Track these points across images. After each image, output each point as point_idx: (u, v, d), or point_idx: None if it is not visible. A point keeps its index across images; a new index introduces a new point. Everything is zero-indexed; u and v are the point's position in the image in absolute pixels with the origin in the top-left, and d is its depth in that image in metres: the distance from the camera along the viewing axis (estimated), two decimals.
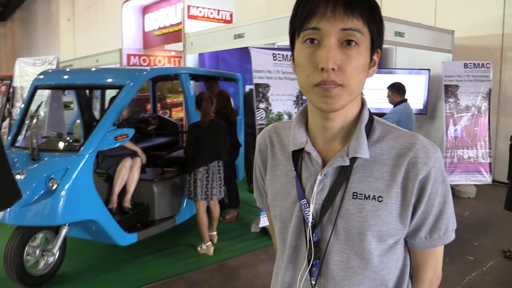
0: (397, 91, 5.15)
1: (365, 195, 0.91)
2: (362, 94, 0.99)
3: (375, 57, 0.91)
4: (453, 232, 0.97)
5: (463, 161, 6.26)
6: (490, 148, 6.30)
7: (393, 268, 0.96)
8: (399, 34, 5.66)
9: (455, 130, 6.28)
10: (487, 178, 6.26)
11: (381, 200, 0.90)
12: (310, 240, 0.94)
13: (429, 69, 6.58)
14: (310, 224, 0.93)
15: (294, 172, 0.98)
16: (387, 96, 5.29)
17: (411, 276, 1.04)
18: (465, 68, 6.20)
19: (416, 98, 6.48)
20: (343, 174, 0.92)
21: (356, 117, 0.94)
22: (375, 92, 6.64)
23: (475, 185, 6.31)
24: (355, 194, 0.91)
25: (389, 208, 0.90)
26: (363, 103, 0.97)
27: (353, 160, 0.91)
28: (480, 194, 6.29)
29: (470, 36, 7.11)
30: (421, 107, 6.63)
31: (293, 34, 0.90)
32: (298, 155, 0.98)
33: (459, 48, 6.87)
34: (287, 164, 1.01)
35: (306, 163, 0.97)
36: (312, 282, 0.96)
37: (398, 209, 0.91)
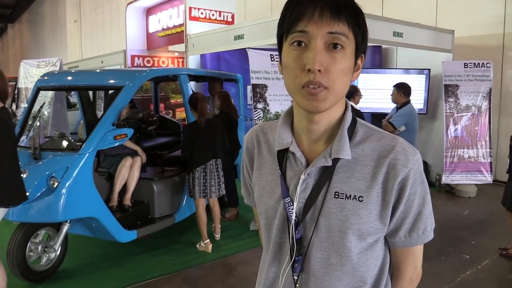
0: (403, 91, 5.16)
1: (346, 194, 0.94)
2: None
3: (359, 62, 0.94)
4: (432, 232, 1.00)
5: (463, 160, 6.27)
6: (490, 148, 6.30)
7: (372, 265, 0.99)
8: (398, 34, 5.70)
9: (455, 129, 6.30)
10: (487, 178, 6.26)
11: (362, 200, 0.93)
12: (293, 237, 0.97)
13: (429, 69, 6.60)
14: (293, 222, 0.97)
15: (279, 171, 1.01)
16: (392, 95, 5.30)
17: (392, 274, 1.08)
18: (465, 67, 6.22)
19: (416, 98, 6.51)
20: (326, 174, 0.95)
21: (340, 120, 0.98)
22: (376, 92, 6.69)
23: (475, 184, 6.31)
24: (337, 193, 0.94)
25: (369, 208, 0.93)
26: (346, 106, 1.00)
27: (335, 160, 0.94)
28: (480, 193, 6.29)
29: (471, 36, 7.12)
30: (421, 106, 6.65)
31: (281, 37, 0.93)
32: (283, 155, 1.02)
33: (461, 47, 6.89)
34: (272, 163, 1.05)
35: (290, 163, 1.00)
36: (294, 277, 1.00)
37: (378, 209, 0.94)
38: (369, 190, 0.93)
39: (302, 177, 0.96)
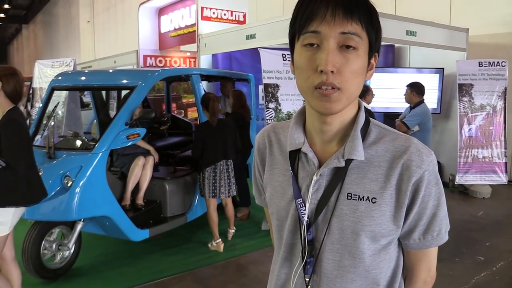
0: (417, 91, 5.10)
1: (359, 196, 0.93)
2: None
3: (373, 61, 0.93)
4: (446, 234, 0.98)
5: (477, 161, 6.19)
6: (505, 148, 6.21)
7: (385, 267, 0.98)
8: (411, 33, 5.65)
9: (470, 129, 6.21)
10: (502, 178, 6.17)
11: (375, 202, 0.92)
12: (304, 238, 0.96)
13: (443, 68, 6.52)
14: (305, 223, 0.96)
15: (291, 171, 1.00)
16: (405, 94, 5.24)
17: (405, 277, 1.07)
18: (479, 66, 6.14)
19: (430, 97, 6.44)
20: (339, 175, 0.94)
21: (353, 120, 0.96)
22: (389, 92, 6.64)
23: (490, 185, 6.22)
24: (350, 195, 0.93)
25: (383, 210, 0.92)
26: (359, 106, 0.98)
27: (348, 161, 0.93)
28: (495, 194, 6.21)
29: (486, 34, 7.01)
30: (435, 106, 6.58)
31: (293, 37, 0.92)
32: (295, 155, 1.00)
33: (475, 46, 6.78)
34: (284, 164, 1.04)
35: (302, 163, 0.99)
36: (306, 279, 0.99)
37: (392, 211, 0.93)
38: (383, 191, 0.92)
39: (315, 178, 0.95)
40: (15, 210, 2.66)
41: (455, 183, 6.29)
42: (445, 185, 6.64)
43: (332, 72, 0.84)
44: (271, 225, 1.15)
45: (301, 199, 0.97)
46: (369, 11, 0.87)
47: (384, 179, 0.93)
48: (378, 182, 0.93)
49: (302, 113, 1.03)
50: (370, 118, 1.00)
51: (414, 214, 0.94)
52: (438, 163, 6.72)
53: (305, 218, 0.96)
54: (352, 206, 0.93)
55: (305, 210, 0.96)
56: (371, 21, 0.87)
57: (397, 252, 1.01)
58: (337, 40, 0.85)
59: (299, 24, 0.88)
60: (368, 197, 0.92)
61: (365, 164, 0.94)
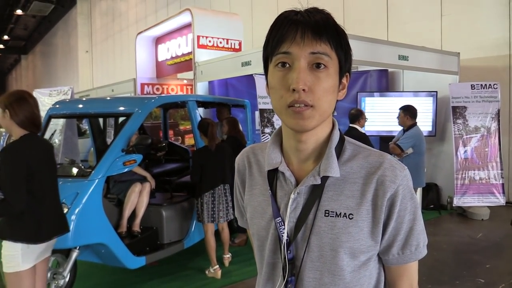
0: (410, 114, 5.17)
1: (336, 212, 0.94)
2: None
3: (344, 81, 0.97)
4: (425, 248, 1.00)
5: (474, 182, 6.20)
6: (502, 169, 6.23)
7: (366, 284, 0.99)
8: (403, 57, 5.76)
9: (465, 151, 6.26)
10: (500, 200, 6.17)
11: (352, 218, 0.93)
12: (285, 257, 0.97)
13: (436, 91, 6.61)
14: (284, 242, 0.97)
15: (270, 191, 1.02)
16: (398, 117, 5.31)
17: None
18: (472, 89, 6.24)
19: (424, 120, 6.51)
20: (316, 193, 0.96)
21: (327, 138, 0.99)
22: (384, 115, 6.72)
23: (488, 206, 6.21)
24: (327, 212, 0.95)
25: (360, 225, 0.94)
26: (333, 124, 1.01)
27: (324, 179, 0.95)
28: (494, 215, 6.18)
29: (477, 57, 7.16)
30: (430, 129, 6.64)
31: (266, 59, 0.96)
32: (273, 175, 1.02)
33: (467, 69, 6.92)
34: (263, 184, 1.05)
35: (280, 182, 1.01)
36: None
37: (369, 226, 0.94)
38: (359, 207, 0.94)
39: (292, 196, 0.97)
40: (22, 246, 2.41)
41: (453, 205, 6.27)
42: (443, 207, 6.63)
43: (304, 90, 0.87)
44: (253, 246, 1.15)
45: (280, 218, 0.99)
46: (337, 33, 0.92)
47: (360, 195, 0.95)
48: (354, 198, 0.95)
49: (279, 133, 1.06)
50: (345, 136, 1.03)
51: (391, 229, 0.96)
52: (435, 185, 6.73)
53: (285, 237, 0.97)
54: (330, 223, 0.94)
55: (284, 229, 0.97)
56: (339, 42, 0.92)
57: (378, 268, 1.02)
58: (308, 60, 0.89)
59: (271, 46, 0.93)
60: (345, 213, 0.94)
61: (341, 181, 0.96)
